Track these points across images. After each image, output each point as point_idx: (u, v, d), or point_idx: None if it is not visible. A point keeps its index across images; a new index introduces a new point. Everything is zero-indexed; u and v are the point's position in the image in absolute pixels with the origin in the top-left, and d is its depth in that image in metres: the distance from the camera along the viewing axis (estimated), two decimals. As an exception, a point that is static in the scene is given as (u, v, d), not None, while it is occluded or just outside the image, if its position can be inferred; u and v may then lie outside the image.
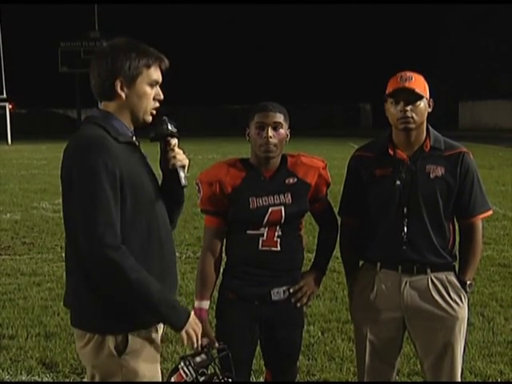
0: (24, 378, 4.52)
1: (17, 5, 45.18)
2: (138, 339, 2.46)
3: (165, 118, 2.62)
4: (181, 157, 2.58)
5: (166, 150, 2.58)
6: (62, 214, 2.50)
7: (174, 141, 2.60)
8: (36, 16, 50.16)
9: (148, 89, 2.48)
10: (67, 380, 4.47)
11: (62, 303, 5.98)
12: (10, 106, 37.29)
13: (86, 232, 2.29)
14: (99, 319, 2.41)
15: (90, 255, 2.29)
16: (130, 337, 2.43)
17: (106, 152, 2.33)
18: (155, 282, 2.37)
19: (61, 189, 2.44)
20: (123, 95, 2.45)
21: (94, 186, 2.29)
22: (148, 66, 2.47)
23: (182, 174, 2.59)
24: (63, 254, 2.67)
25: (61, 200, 2.63)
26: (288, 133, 3.15)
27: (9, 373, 4.60)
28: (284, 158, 3.18)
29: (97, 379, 2.44)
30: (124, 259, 2.29)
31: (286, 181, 3.14)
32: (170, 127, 2.60)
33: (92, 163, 2.30)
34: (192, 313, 2.53)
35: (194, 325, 2.50)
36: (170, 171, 2.58)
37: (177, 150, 2.58)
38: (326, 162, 3.28)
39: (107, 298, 2.38)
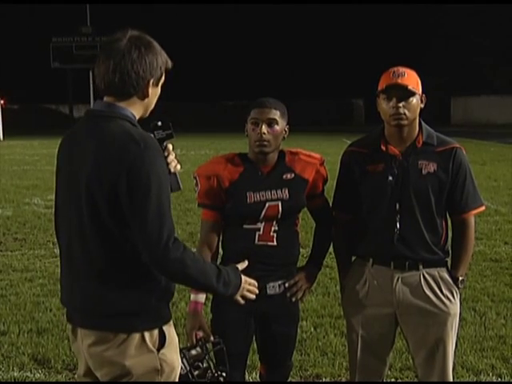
0: (16, 374, 4.51)
1: (8, 1, 44.95)
2: (169, 331, 2.48)
3: (160, 122, 2.62)
4: (177, 160, 2.62)
5: (164, 154, 2.58)
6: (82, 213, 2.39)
7: (170, 145, 2.62)
8: (27, 11, 49.96)
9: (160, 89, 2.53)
10: (59, 376, 4.47)
11: (54, 299, 5.99)
12: (2, 102, 37.19)
13: (157, 234, 2.30)
14: (134, 317, 2.38)
15: (161, 253, 2.31)
16: (165, 330, 2.45)
17: (162, 155, 2.40)
18: (210, 269, 2.44)
19: (94, 189, 2.34)
20: (149, 94, 2.45)
21: (162, 189, 2.33)
22: (166, 67, 2.50)
23: (179, 177, 2.63)
24: (55, 251, 2.65)
25: (54, 196, 2.61)
26: (286, 129, 3.16)
27: (0, 369, 4.59)
28: (282, 153, 3.20)
29: (134, 378, 2.39)
30: (187, 256, 2.36)
31: (284, 176, 3.15)
32: (170, 131, 2.62)
33: (159, 167, 2.33)
34: (243, 277, 2.59)
35: (246, 286, 2.59)
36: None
37: (173, 153, 2.61)
38: (324, 159, 3.29)
39: (140, 296, 2.38)
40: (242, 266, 2.65)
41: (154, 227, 2.29)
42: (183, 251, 2.34)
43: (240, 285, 2.55)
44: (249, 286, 2.61)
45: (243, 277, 2.59)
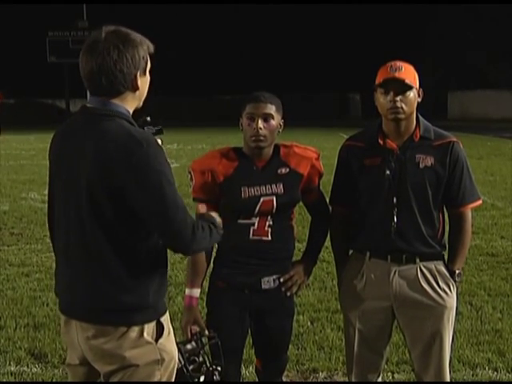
0: (13, 368, 4.51)
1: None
2: (166, 322, 2.51)
3: (149, 117, 2.61)
4: None
5: None
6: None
7: (160, 140, 2.62)
8: (23, 5, 49.73)
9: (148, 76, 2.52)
10: (56, 371, 4.47)
11: (51, 294, 5.98)
12: (-1, 96, 37.06)
13: (184, 227, 2.36)
14: (134, 312, 2.40)
15: (191, 241, 2.39)
16: (162, 321, 2.48)
17: (162, 149, 2.42)
18: (209, 227, 2.51)
19: (104, 184, 2.34)
20: (139, 86, 2.45)
21: (172, 183, 2.37)
22: (149, 54, 2.48)
23: None
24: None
25: (47, 193, 2.60)
26: (281, 123, 3.15)
27: (-3, 363, 4.59)
28: (277, 147, 3.19)
29: (135, 369, 2.41)
30: (206, 231, 2.46)
31: (279, 171, 3.14)
32: (160, 127, 2.61)
33: (164, 162, 2.34)
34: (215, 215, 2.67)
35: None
36: None
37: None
38: (319, 153, 3.29)
39: (140, 291, 2.40)
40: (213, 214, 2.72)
41: (178, 223, 2.34)
42: (203, 230, 2.42)
43: (216, 220, 2.64)
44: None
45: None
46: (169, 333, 2.51)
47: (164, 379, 2.46)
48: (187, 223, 2.36)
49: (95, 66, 2.38)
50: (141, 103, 2.53)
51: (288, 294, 3.21)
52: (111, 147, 2.33)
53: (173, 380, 2.52)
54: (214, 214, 2.66)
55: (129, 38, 2.42)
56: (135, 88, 2.44)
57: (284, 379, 3.56)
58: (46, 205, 2.66)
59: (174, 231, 2.35)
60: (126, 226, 2.37)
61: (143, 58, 2.44)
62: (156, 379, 2.44)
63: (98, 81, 2.39)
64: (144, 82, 2.48)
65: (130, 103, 2.47)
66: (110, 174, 2.32)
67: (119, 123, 2.38)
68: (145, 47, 2.45)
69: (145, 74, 2.47)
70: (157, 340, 2.45)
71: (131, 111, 2.48)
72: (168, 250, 2.52)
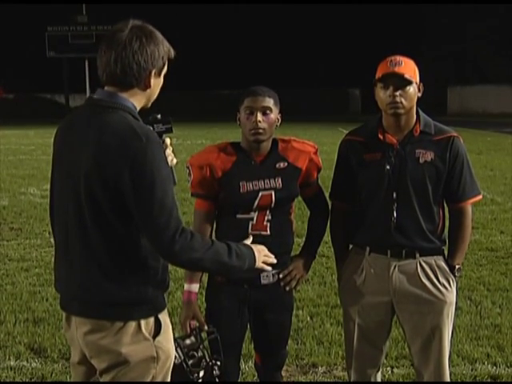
0: (12, 363, 4.51)
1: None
2: (164, 319, 2.48)
3: (160, 115, 2.59)
4: (173, 155, 2.60)
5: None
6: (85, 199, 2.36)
7: (168, 139, 2.60)
8: (22, 0, 49.64)
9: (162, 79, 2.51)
10: (56, 365, 4.47)
11: (50, 289, 5.98)
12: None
13: (164, 230, 2.30)
14: (132, 307, 2.38)
15: (169, 247, 2.32)
16: (160, 318, 2.45)
17: (163, 148, 2.40)
18: (221, 247, 2.44)
19: (102, 178, 2.31)
20: (152, 85, 2.44)
21: (166, 183, 2.33)
22: (169, 57, 2.47)
23: (174, 172, 2.60)
24: (51, 240, 2.64)
25: (49, 186, 2.60)
26: (279, 117, 3.15)
27: (-3, 358, 4.60)
28: (275, 142, 3.18)
29: (130, 366, 2.38)
30: (196, 243, 2.35)
31: (277, 165, 3.14)
32: (169, 126, 2.59)
33: (161, 161, 2.32)
34: (254, 246, 2.58)
35: (261, 251, 2.59)
36: None
37: (171, 147, 2.59)
38: (317, 147, 3.28)
39: (138, 286, 2.38)
40: (247, 241, 2.64)
41: (159, 222, 2.29)
42: (191, 239, 2.33)
43: (254, 253, 2.56)
44: (263, 252, 2.61)
45: (253, 246, 2.59)
46: (167, 330, 2.48)
47: (159, 378, 2.43)
48: (169, 225, 2.29)
49: (113, 54, 2.36)
50: (149, 104, 2.51)
51: (287, 288, 3.21)
52: (110, 138, 2.31)
53: (168, 379, 2.50)
54: (249, 246, 2.58)
55: (153, 34, 2.42)
56: (147, 85, 2.42)
57: (283, 374, 3.57)
58: (47, 199, 2.64)
59: (152, 230, 2.30)
60: (123, 220, 2.34)
61: (162, 58, 2.42)
62: (150, 377, 2.41)
63: (113, 69, 2.37)
64: (157, 83, 2.46)
65: (139, 100, 2.45)
66: (106, 165, 2.30)
67: (122, 116, 2.36)
68: (166, 49, 2.44)
69: (160, 75, 2.45)
70: (154, 337, 2.42)
71: (138, 108, 2.46)
72: None
